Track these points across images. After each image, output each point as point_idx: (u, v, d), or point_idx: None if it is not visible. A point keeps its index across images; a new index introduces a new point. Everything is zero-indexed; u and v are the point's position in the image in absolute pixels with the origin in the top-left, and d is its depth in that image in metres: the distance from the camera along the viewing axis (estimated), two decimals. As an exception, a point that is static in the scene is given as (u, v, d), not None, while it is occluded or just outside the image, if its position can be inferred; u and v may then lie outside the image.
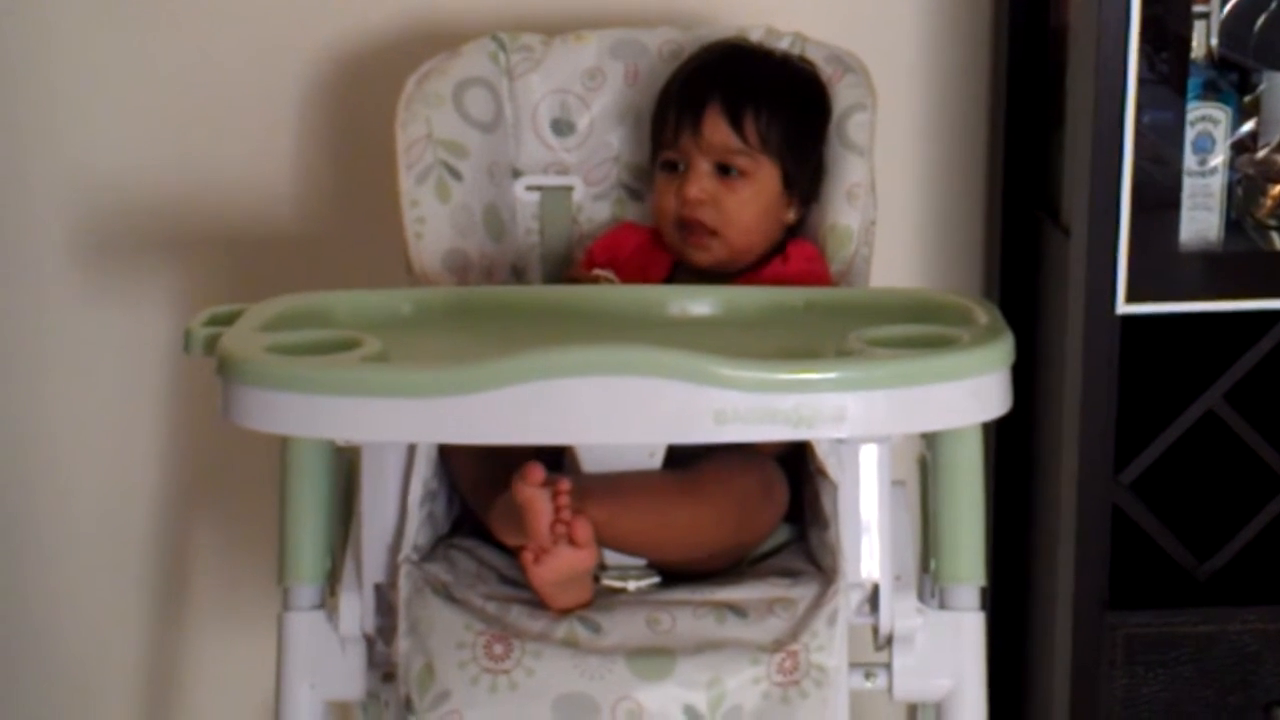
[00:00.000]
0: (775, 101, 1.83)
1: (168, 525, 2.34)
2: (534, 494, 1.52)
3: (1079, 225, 1.92)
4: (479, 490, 1.66)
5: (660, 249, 1.88)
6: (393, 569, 1.64)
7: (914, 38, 2.24)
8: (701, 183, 1.81)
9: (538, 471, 1.52)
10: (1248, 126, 1.98)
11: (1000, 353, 1.48)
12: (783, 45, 1.93)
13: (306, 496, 1.69)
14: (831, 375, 1.43)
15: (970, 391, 1.46)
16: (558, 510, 1.52)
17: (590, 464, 1.59)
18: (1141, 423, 1.98)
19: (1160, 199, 1.90)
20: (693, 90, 1.84)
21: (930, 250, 2.29)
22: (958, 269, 2.29)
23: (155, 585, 2.36)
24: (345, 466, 1.73)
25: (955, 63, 2.25)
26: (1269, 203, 2.01)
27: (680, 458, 1.60)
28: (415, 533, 1.65)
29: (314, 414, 1.45)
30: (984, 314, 1.57)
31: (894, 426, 1.49)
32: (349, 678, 1.69)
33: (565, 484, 1.53)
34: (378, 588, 1.67)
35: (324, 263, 2.24)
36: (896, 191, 2.20)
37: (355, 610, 1.67)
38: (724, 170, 1.82)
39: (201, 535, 2.35)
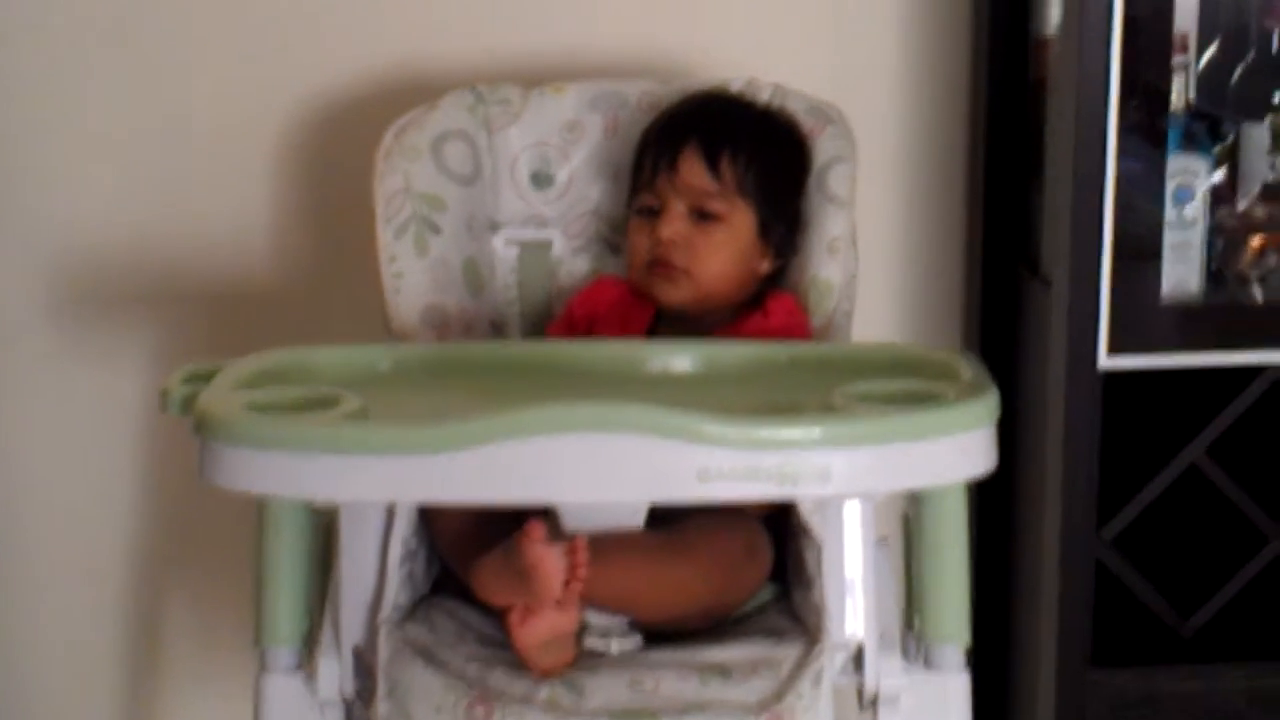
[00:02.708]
0: (753, 146, 1.82)
1: (142, 585, 2.32)
2: (544, 552, 1.51)
3: (1059, 278, 1.91)
4: (461, 549, 1.64)
5: (640, 302, 1.86)
6: (372, 630, 1.62)
7: (893, 91, 2.24)
8: (675, 224, 1.81)
9: (539, 528, 1.51)
10: (1218, 176, 1.98)
11: (986, 409, 1.47)
12: (763, 96, 1.93)
13: (284, 557, 1.67)
14: (816, 432, 1.41)
15: (956, 448, 1.45)
16: (574, 568, 1.51)
17: (572, 522, 1.56)
18: (1123, 477, 1.97)
19: (1141, 251, 1.90)
20: (671, 132, 1.84)
21: (910, 304, 2.29)
22: (937, 322, 2.29)
23: (129, 645, 2.33)
24: (323, 525, 1.71)
25: (934, 116, 2.25)
26: (1249, 254, 2.01)
27: (663, 516, 1.58)
28: (395, 593, 1.63)
29: (294, 473, 1.43)
30: (968, 369, 1.56)
31: (879, 484, 1.47)
32: (327, 742, 1.66)
33: (582, 541, 1.51)
34: (357, 649, 1.65)
35: (301, 318, 2.23)
36: (876, 245, 2.20)
37: (334, 673, 1.65)
38: (699, 215, 1.81)
39: (176, 595, 2.33)
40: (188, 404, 1.54)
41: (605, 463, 1.41)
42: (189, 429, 1.49)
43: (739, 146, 1.81)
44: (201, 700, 2.33)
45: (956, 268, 2.28)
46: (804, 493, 1.45)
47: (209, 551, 2.29)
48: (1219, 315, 1.96)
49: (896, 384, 1.50)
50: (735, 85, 1.94)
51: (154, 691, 2.34)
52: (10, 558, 2.29)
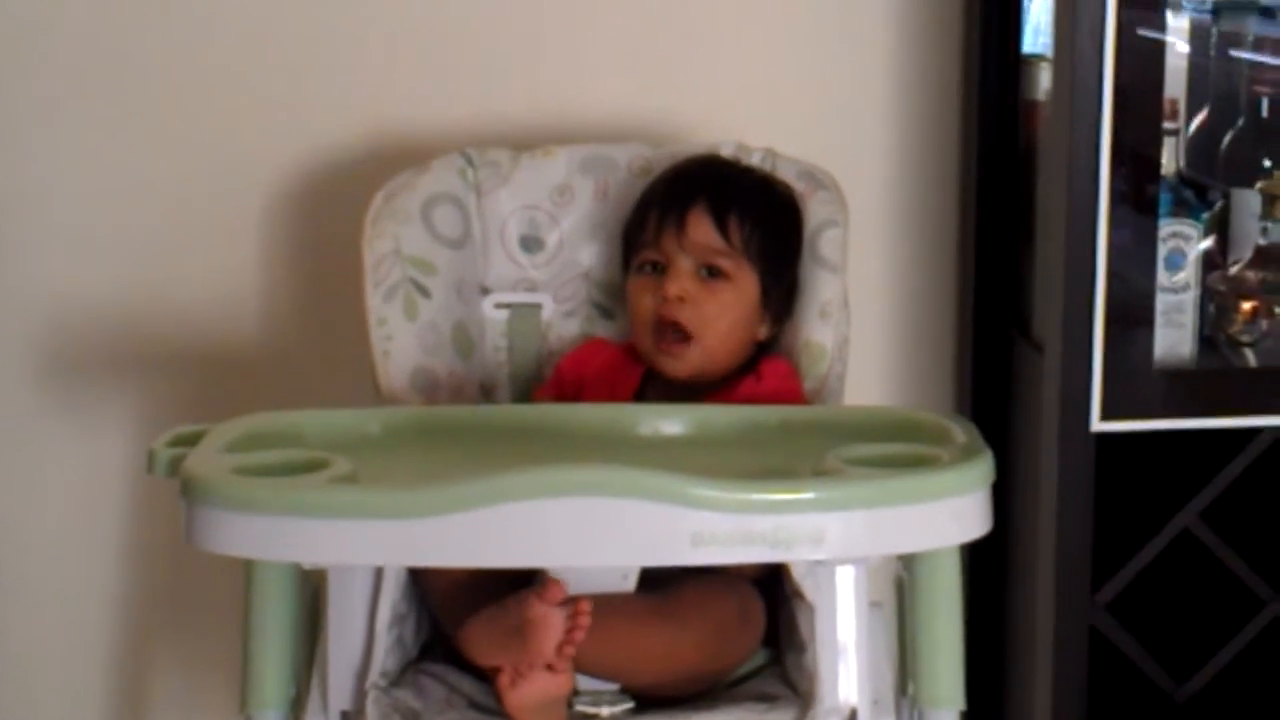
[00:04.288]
0: (757, 211, 1.83)
1: (126, 649, 2.30)
2: (549, 613, 1.49)
3: (1052, 342, 1.91)
4: (454, 608, 1.62)
5: (629, 364, 1.86)
6: (360, 696, 1.61)
7: (883, 155, 2.24)
8: (683, 282, 1.80)
9: (559, 591, 1.49)
10: (1209, 241, 1.98)
11: (980, 472, 1.47)
12: (754, 160, 1.93)
13: (271, 621, 1.65)
14: (810, 495, 1.40)
15: (951, 512, 1.44)
16: (571, 631, 1.49)
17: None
18: (1117, 542, 1.96)
19: (1133, 316, 1.89)
20: (677, 191, 1.83)
21: (902, 367, 2.28)
22: (929, 386, 2.28)
23: (114, 709, 2.31)
24: (310, 589, 1.70)
25: (924, 179, 2.25)
26: (1240, 319, 2.01)
27: (654, 580, 1.57)
28: (383, 658, 1.62)
29: (282, 537, 1.42)
30: (962, 432, 1.55)
31: (873, 548, 1.46)
32: (314, 809, 1.64)
33: (586, 604, 1.50)
34: (344, 715, 1.63)
35: (289, 382, 2.22)
36: (867, 309, 2.19)
37: (321, 738, 1.63)
38: (707, 273, 1.80)
39: (160, 659, 2.31)
40: (174, 466, 1.53)
41: (598, 527, 1.39)
42: (175, 492, 1.48)
43: (745, 209, 1.81)
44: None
45: (948, 331, 2.28)
46: (798, 556, 1.44)
47: (194, 613, 2.27)
48: (1212, 380, 1.96)
49: (890, 448, 1.50)
50: (726, 149, 1.94)
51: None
52: (-6, 621, 2.28)
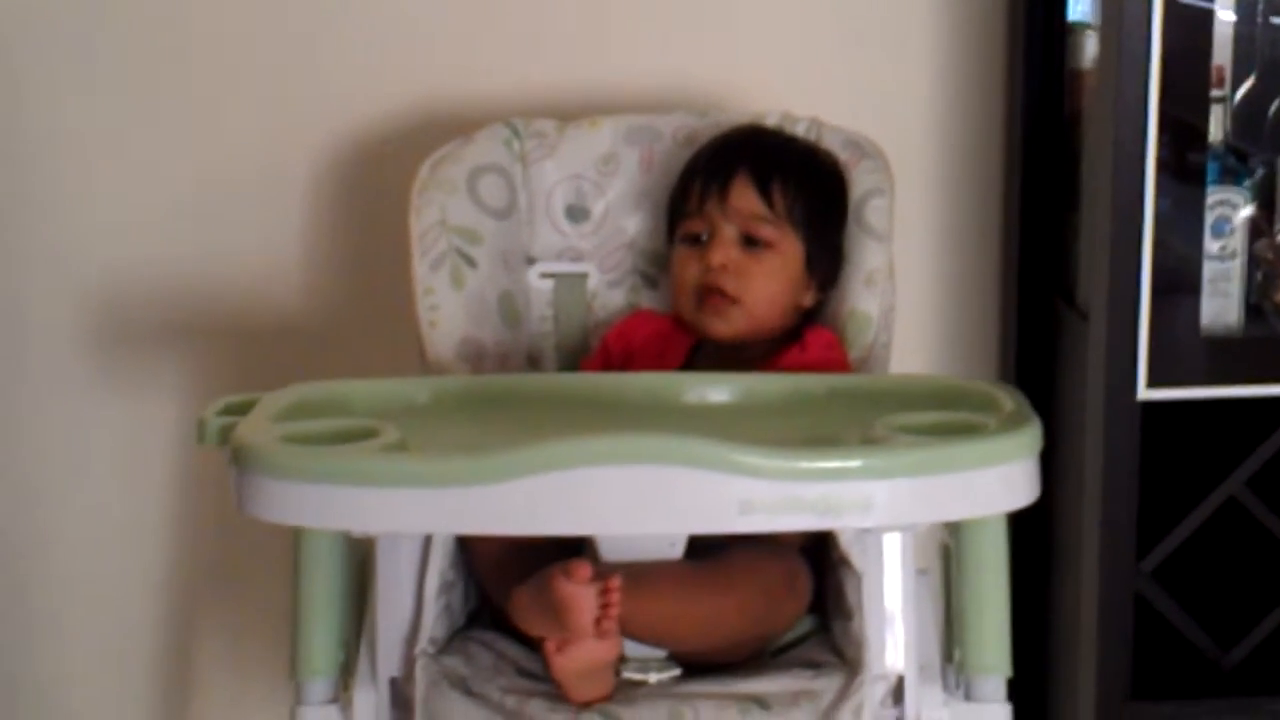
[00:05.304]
0: (801, 177, 1.83)
1: (174, 618, 2.31)
2: (578, 590, 1.49)
3: (1098, 310, 1.90)
4: (500, 576, 1.63)
5: (678, 334, 1.86)
6: (409, 662, 1.62)
7: (927, 123, 2.23)
8: (727, 250, 1.80)
9: (585, 570, 1.50)
10: (1247, 211, 1.97)
11: (1029, 439, 1.47)
12: (799, 129, 1.93)
13: (320, 589, 1.66)
14: (858, 463, 1.41)
15: (999, 479, 1.44)
16: (606, 606, 1.50)
17: (610, 554, 1.55)
18: (1162, 509, 1.96)
19: (1180, 284, 1.89)
20: (720, 160, 1.84)
21: (946, 336, 2.28)
22: (974, 354, 2.28)
23: (162, 679, 2.32)
24: (359, 557, 1.71)
25: (969, 148, 2.24)
26: (1287, 287, 2.00)
27: (700, 547, 1.57)
28: (432, 625, 1.63)
29: (332, 505, 1.43)
30: (1009, 400, 1.55)
31: (921, 515, 1.46)
32: (363, 774, 1.65)
33: (617, 580, 1.50)
34: (393, 681, 1.64)
35: (335, 352, 2.22)
36: (911, 277, 2.19)
37: (370, 705, 1.64)
38: (749, 243, 1.80)
39: (208, 628, 2.32)
40: (224, 435, 1.55)
41: (646, 495, 1.40)
42: (222, 461, 1.49)
43: (788, 176, 1.82)
44: (234, 732, 2.33)
45: (992, 299, 2.27)
46: (846, 524, 1.45)
47: (241, 583, 2.29)
48: (1258, 347, 1.95)
49: (938, 415, 1.50)
50: (770, 119, 1.94)
51: (188, 722, 2.34)
52: (42, 591, 2.29)
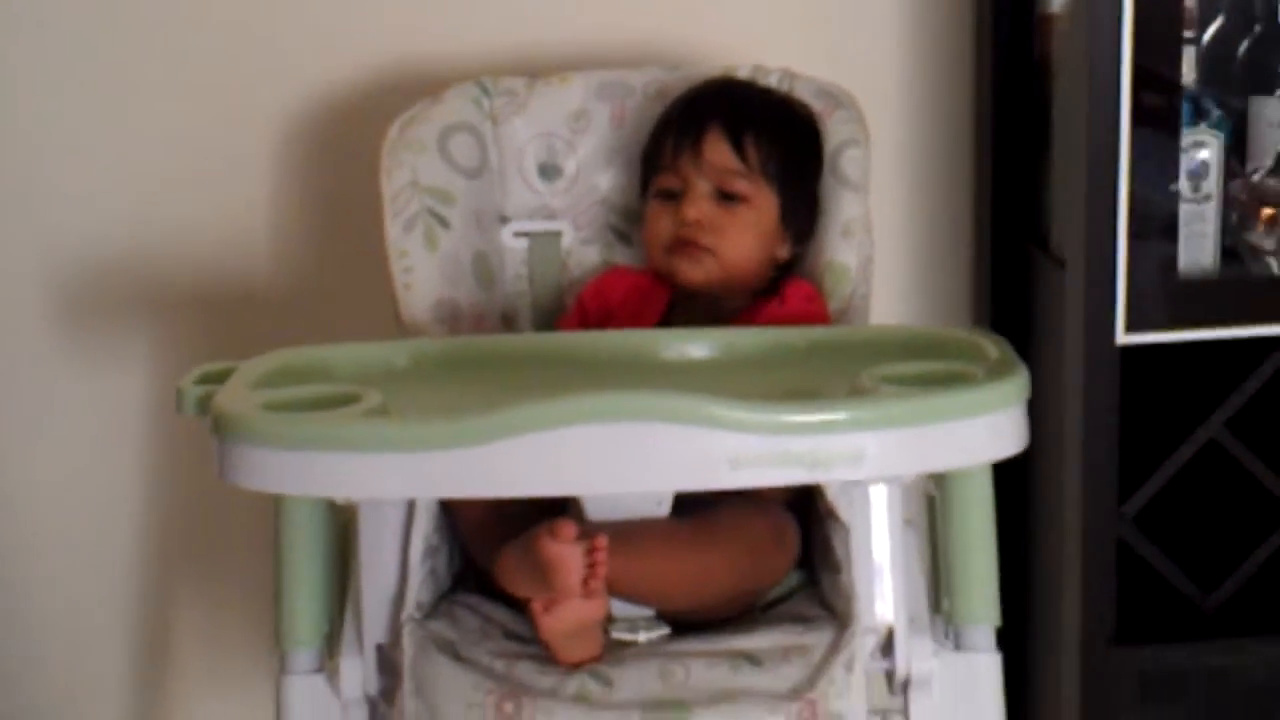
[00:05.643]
0: (774, 130, 1.82)
1: (152, 589, 2.30)
2: (564, 550, 1.48)
3: (1074, 256, 1.90)
4: (485, 539, 1.62)
5: (655, 289, 1.85)
6: (395, 628, 1.61)
7: (897, 72, 2.22)
8: (700, 204, 1.79)
9: (570, 530, 1.49)
10: (1220, 153, 1.97)
11: (1016, 387, 1.46)
12: (771, 81, 1.91)
13: (303, 557, 1.65)
14: (846, 415, 1.40)
15: (988, 428, 1.44)
16: (593, 565, 1.49)
17: (596, 512, 1.55)
18: (1143, 453, 1.95)
19: (1155, 228, 1.88)
20: (693, 113, 1.83)
21: (921, 286, 2.27)
22: (949, 303, 2.27)
23: (140, 650, 2.31)
24: (341, 524, 1.69)
25: (938, 95, 2.24)
26: (1261, 227, 1.99)
27: (687, 502, 1.56)
28: (417, 590, 1.62)
29: (314, 472, 1.42)
30: (994, 348, 1.55)
31: (912, 466, 1.46)
32: (352, 742, 1.64)
33: (603, 540, 1.49)
34: (380, 648, 1.63)
35: (306, 318, 2.21)
36: (884, 228, 2.16)
37: (357, 672, 1.63)
38: (723, 197, 1.79)
39: (187, 598, 2.31)
40: (203, 403, 1.53)
41: (633, 453, 1.39)
42: (198, 430, 1.47)
43: (761, 129, 1.80)
44: (213, 703, 2.31)
45: (966, 248, 2.26)
46: (836, 477, 1.44)
47: (219, 553, 2.27)
48: (1235, 289, 1.95)
49: (925, 365, 1.49)
50: (742, 71, 1.93)
51: (166, 694, 2.32)
52: (19, 564, 2.27)
